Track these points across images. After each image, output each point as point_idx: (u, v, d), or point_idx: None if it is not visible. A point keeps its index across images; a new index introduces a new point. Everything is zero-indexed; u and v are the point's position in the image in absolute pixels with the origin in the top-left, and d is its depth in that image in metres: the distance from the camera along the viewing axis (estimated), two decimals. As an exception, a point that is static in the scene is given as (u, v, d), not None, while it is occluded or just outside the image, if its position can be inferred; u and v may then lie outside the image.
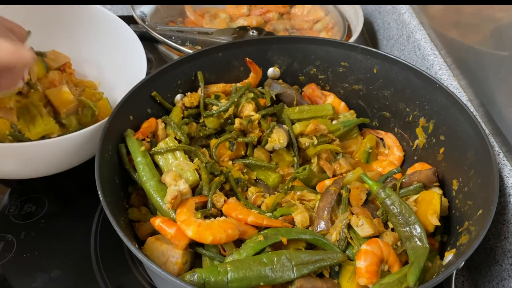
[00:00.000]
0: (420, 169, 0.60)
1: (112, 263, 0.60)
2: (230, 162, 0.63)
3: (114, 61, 0.76)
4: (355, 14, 0.94)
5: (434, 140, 0.61)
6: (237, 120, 0.64)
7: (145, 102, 0.62)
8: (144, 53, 0.70)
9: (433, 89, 0.60)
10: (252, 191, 0.60)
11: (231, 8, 1.04)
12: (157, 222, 0.49)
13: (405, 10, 0.81)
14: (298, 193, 0.59)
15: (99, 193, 0.46)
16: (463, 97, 0.62)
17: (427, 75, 0.61)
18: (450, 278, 0.46)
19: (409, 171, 0.62)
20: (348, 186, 0.55)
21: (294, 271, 0.46)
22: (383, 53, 0.65)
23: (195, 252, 0.50)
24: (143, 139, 0.58)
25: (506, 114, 0.54)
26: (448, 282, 0.46)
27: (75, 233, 0.64)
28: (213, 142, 0.63)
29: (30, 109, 0.65)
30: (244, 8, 1.03)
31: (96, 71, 0.78)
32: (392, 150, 0.68)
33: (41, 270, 0.59)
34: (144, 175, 0.53)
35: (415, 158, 0.65)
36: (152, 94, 0.62)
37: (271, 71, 0.71)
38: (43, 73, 0.70)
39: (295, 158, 0.64)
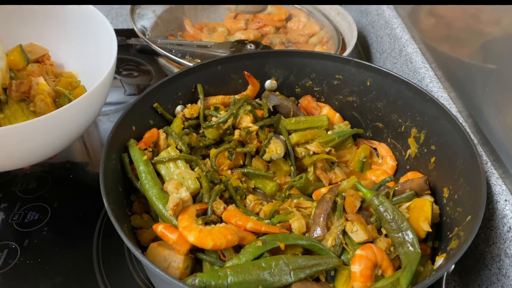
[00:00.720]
0: (412, 177, 0.62)
1: (114, 269, 0.61)
2: (229, 171, 0.65)
3: (90, 49, 0.77)
4: (349, 29, 0.97)
5: (425, 150, 0.64)
6: (236, 131, 0.66)
7: (147, 113, 0.64)
8: (115, 39, 0.70)
9: (424, 101, 0.63)
10: (250, 199, 0.62)
11: (228, 22, 1.07)
12: (159, 228, 0.51)
13: (397, 25, 0.84)
14: (295, 201, 0.61)
15: (104, 200, 0.48)
16: (452, 108, 0.65)
17: (418, 87, 0.63)
18: (440, 281, 0.48)
19: (402, 179, 0.65)
20: (343, 194, 0.57)
21: (292, 275, 0.48)
22: (376, 66, 0.68)
23: (196, 258, 0.52)
24: (145, 149, 0.60)
25: (493, 125, 0.57)
26: (439, 285, 0.48)
27: (78, 241, 0.65)
28: (213, 151, 0.65)
29: (11, 104, 0.67)
30: (241, 23, 1.06)
31: (75, 61, 0.80)
32: (385, 160, 0.71)
33: (44, 277, 0.61)
34: (147, 183, 0.55)
35: (408, 167, 0.68)
36: (153, 105, 0.65)
37: (268, 83, 0.74)
38: (23, 65, 0.72)
39: (292, 168, 0.67)
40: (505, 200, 0.51)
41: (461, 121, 0.60)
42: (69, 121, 0.62)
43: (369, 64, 0.68)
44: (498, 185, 0.53)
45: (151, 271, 0.46)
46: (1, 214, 0.69)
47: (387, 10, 0.89)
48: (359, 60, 0.69)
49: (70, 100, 0.68)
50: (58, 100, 0.70)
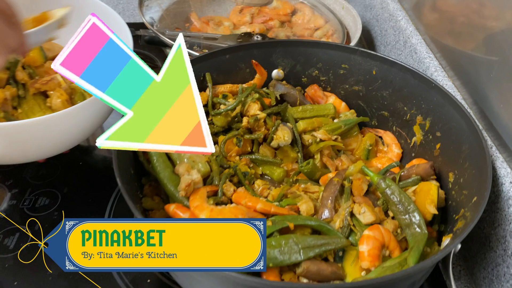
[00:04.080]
0: (418, 164, 0.63)
1: (124, 253, 0.62)
2: (237, 158, 0.66)
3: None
4: (353, 22, 0.98)
5: (430, 137, 0.65)
6: (244, 119, 0.67)
7: (156, 100, 0.65)
8: (130, 35, 0.74)
9: (429, 88, 0.64)
10: (258, 184, 0.63)
11: (234, 16, 1.08)
12: (171, 208, 0.52)
13: (401, 17, 0.85)
14: (302, 185, 0.62)
15: (118, 180, 0.49)
16: (457, 96, 0.66)
17: (424, 75, 0.64)
18: (447, 261, 0.49)
19: (407, 166, 0.65)
20: (350, 178, 0.58)
21: (301, 253, 0.48)
22: (382, 55, 0.69)
23: (207, 238, 0.53)
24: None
25: (497, 110, 0.58)
26: (445, 266, 0.49)
27: (88, 225, 0.66)
28: (221, 138, 0.66)
29: (28, 99, 0.68)
30: (247, 17, 1.08)
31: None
32: (391, 148, 0.72)
33: (55, 259, 0.62)
34: (158, 166, 0.56)
35: (413, 154, 0.69)
36: (163, 92, 0.66)
37: (275, 73, 0.75)
38: (41, 62, 0.74)
39: (299, 154, 0.68)
40: (510, 183, 0.52)
41: (466, 107, 0.61)
42: (83, 118, 0.65)
43: (375, 53, 0.69)
44: (503, 168, 0.54)
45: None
46: (13, 200, 0.70)
47: (392, 3, 0.90)
48: (365, 50, 0.70)
49: (84, 98, 0.69)
50: (74, 97, 0.72)
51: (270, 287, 0.42)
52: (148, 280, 0.59)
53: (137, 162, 0.60)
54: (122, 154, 0.55)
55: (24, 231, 0.65)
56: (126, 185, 0.50)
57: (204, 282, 0.46)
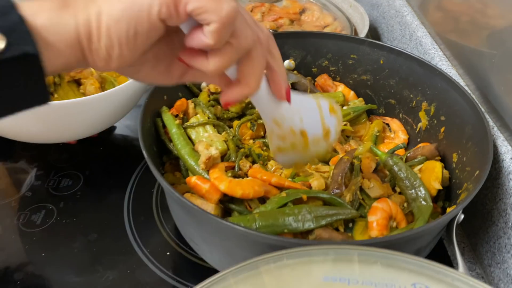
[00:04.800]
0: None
1: (143, 227, 0.66)
2: (251, 141, 0.70)
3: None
4: (361, 19, 1.02)
5: (435, 121, 0.68)
6: (257, 104, 0.71)
7: (176, 86, 0.69)
8: None
9: (434, 75, 0.67)
10: (271, 164, 0.66)
11: (245, 15, 1.12)
12: (193, 179, 0.55)
13: (407, 12, 0.89)
14: (313, 166, 0.65)
15: (144, 152, 0.53)
16: (461, 82, 0.69)
17: (428, 63, 0.68)
18: (450, 231, 0.52)
19: (413, 149, 0.69)
20: (360, 156, 0.61)
21: (314, 221, 0.52)
22: (389, 45, 0.73)
23: (225, 209, 0.56)
24: (177, 116, 0.65)
25: (498, 93, 0.61)
26: (449, 235, 0.52)
27: (110, 203, 0.70)
28: (236, 123, 0.70)
29: (63, 86, 0.73)
30: (257, 15, 1.12)
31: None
32: (397, 134, 0.75)
33: (80, 233, 0.65)
34: (179, 143, 0.60)
35: (418, 140, 0.72)
36: (182, 78, 0.70)
37: (286, 63, 0.79)
38: None
39: (310, 138, 0.71)
40: (510, 159, 0.55)
41: (470, 93, 0.64)
42: (113, 103, 0.70)
43: (383, 43, 0.73)
44: (504, 146, 0.57)
45: (186, 212, 0.51)
46: (38, 180, 0.74)
47: (398, 0, 0.94)
48: (373, 40, 0.74)
49: (114, 86, 0.75)
50: (104, 85, 0.77)
51: (288, 244, 0.45)
52: (168, 253, 0.63)
53: (159, 141, 0.63)
54: (146, 132, 0.59)
55: (50, 208, 0.69)
56: (151, 158, 0.53)
57: (226, 245, 0.50)
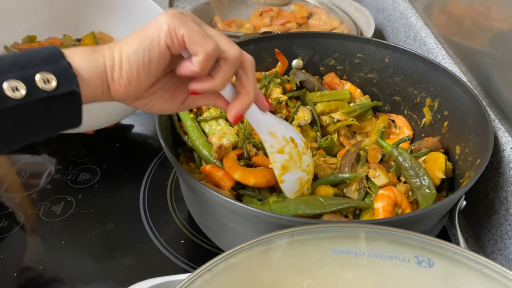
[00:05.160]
0: (427, 140, 0.69)
1: (158, 217, 0.69)
2: (261, 135, 0.73)
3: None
4: (366, 22, 1.05)
5: (439, 116, 0.71)
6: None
7: (189, 83, 0.73)
8: None
9: (437, 72, 0.70)
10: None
11: (255, 19, 1.16)
12: (207, 167, 0.58)
13: (411, 14, 0.92)
14: (322, 158, 0.68)
15: (162, 141, 0.56)
16: (463, 78, 0.72)
17: (432, 60, 0.71)
18: (453, 216, 0.54)
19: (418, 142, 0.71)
20: (366, 148, 0.64)
21: (325, 207, 0.54)
22: (394, 44, 0.75)
23: (237, 197, 0.59)
24: (191, 110, 0.68)
25: (499, 88, 0.64)
26: (452, 221, 0.55)
27: (126, 195, 0.73)
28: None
29: None
30: (266, 19, 1.16)
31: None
32: (403, 130, 0.78)
33: (97, 223, 0.68)
34: (194, 135, 0.63)
35: (423, 135, 0.75)
36: (195, 76, 0.73)
37: (295, 62, 0.82)
38: None
39: (318, 133, 0.74)
40: (511, 148, 0.58)
41: (471, 87, 0.67)
42: None
43: (387, 42, 0.76)
44: (505, 137, 0.60)
45: (201, 198, 0.53)
46: (57, 174, 0.77)
47: (402, 3, 0.97)
48: (378, 40, 0.77)
49: None
50: None
51: (298, 223, 0.47)
52: (182, 241, 0.65)
53: (174, 134, 0.66)
54: (163, 126, 0.62)
55: (69, 199, 0.72)
56: (168, 148, 0.56)
57: (239, 228, 0.52)
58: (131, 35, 0.41)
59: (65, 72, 0.38)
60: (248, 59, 0.47)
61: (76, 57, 0.39)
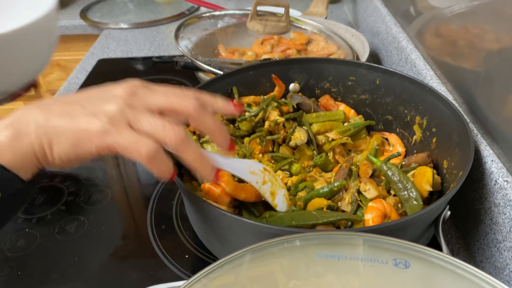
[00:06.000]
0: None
1: (164, 234, 0.73)
2: (261, 155, 0.77)
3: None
4: (362, 46, 1.11)
5: (428, 133, 0.75)
6: (266, 122, 0.79)
7: (192, 108, 0.78)
8: None
9: (425, 92, 0.74)
10: (279, 174, 0.73)
11: (256, 47, 1.23)
12: (207, 185, 0.63)
13: (402, 38, 0.97)
14: (318, 174, 0.72)
15: (165, 161, 0.61)
16: (449, 97, 0.76)
17: (419, 81, 0.75)
18: (437, 226, 0.58)
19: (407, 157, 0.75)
20: (357, 163, 0.68)
21: (318, 218, 0.58)
22: (383, 67, 0.80)
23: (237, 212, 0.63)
24: (194, 133, 0.73)
25: (481, 104, 0.68)
26: (437, 231, 0.58)
27: (134, 215, 0.78)
28: (247, 139, 0.78)
29: None
30: (267, 47, 1.22)
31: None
32: (396, 147, 0.82)
33: (108, 240, 0.73)
34: (196, 155, 0.68)
35: (415, 151, 0.78)
36: (198, 101, 0.79)
37: (292, 86, 0.87)
38: None
39: (314, 152, 0.78)
40: (492, 161, 0.61)
41: (456, 105, 0.71)
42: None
43: (377, 65, 0.81)
44: (486, 150, 0.63)
45: (202, 212, 0.58)
46: (70, 196, 0.82)
47: (394, 28, 1.03)
48: (368, 63, 0.82)
49: None
50: None
51: (290, 232, 0.51)
52: (186, 256, 0.69)
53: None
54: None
55: (82, 219, 0.77)
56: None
57: (237, 240, 0.56)
58: (61, 119, 0.44)
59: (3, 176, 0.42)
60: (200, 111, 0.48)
61: (6, 156, 0.42)
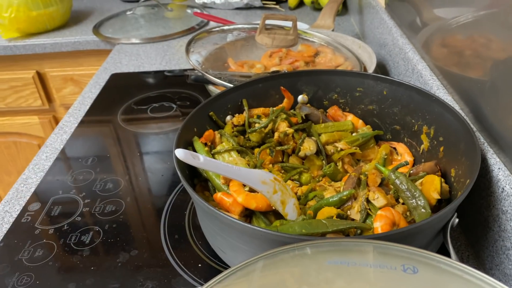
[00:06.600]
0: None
1: (178, 244, 0.75)
2: (271, 165, 0.79)
3: None
4: (369, 58, 1.13)
5: (435, 142, 0.76)
6: (276, 133, 0.81)
7: (204, 120, 0.80)
8: None
9: (431, 102, 0.76)
10: (289, 183, 0.75)
11: (265, 60, 1.25)
12: (218, 195, 0.65)
13: (409, 49, 0.99)
14: (327, 183, 0.73)
15: (179, 173, 0.63)
16: (456, 106, 0.77)
17: (425, 91, 0.77)
18: (445, 234, 0.58)
19: (415, 166, 0.76)
20: (366, 173, 0.69)
21: (328, 227, 0.60)
22: (390, 78, 0.82)
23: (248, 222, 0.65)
24: (205, 144, 0.75)
25: (487, 113, 0.69)
26: (446, 239, 0.59)
27: (148, 225, 0.80)
28: (257, 150, 0.79)
29: None
30: (276, 59, 1.24)
31: None
32: (404, 156, 0.83)
33: (123, 250, 0.75)
34: (208, 166, 0.70)
35: (423, 160, 0.79)
36: (209, 114, 0.81)
37: (300, 98, 0.89)
38: None
39: (323, 162, 0.80)
40: (499, 168, 0.62)
41: (462, 114, 0.72)
42: None
43: (384, 76, 0.83)
44: (493, 159, 0.64)
45: (215, 221, 0.59)
46: (86, 207, 0.84)
47: (401, 39, 1.04)
48: (376, 74, 0.84)
49: None
50: None
51: (301, 240, 0.52)
52: (199, 265, 0.71)
53: (190, 166, 0.73)
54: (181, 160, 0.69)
55: (97, 230, 0.79)
56: (185, 178, 0.63)
57: (249, 249, 0.58)
58: None
59: None
60: None
61: None
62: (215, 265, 0.70)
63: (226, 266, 0.70)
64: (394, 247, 0.47)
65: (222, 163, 0.61)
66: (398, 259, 0.45)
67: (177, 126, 1.10)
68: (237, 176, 0.59)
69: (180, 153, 0.56)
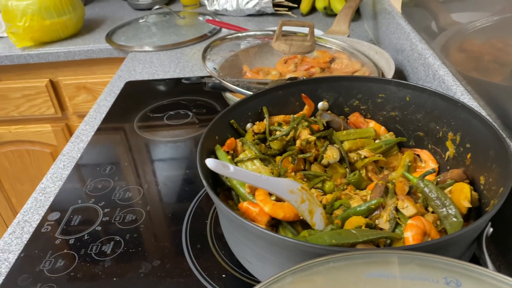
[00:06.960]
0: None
1: (200, 253, 0.74)
2: (293, 173, 0.78)
3: None
4: (387, 63, 1.12)
5: (461, 149, 0.74)
6: (297, 141, 0.80)
7: (225, 128, 0.79)
8: None
9: (456, 107, 0.74)
10: (313, 192, 0.73)
11: (280, 66, 1.24)
12: (244, 204, 0.64)
13: (429, 55, 0.98)
14: (353, 191, 0.72)
15: (203, 180, 0.62)
16: (482, 112, 0.76)
17: (450, 96, 0.75)
18: (480, 243, 0.57)
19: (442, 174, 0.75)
20: (393, 181, 0.68)
21: (358, 237, 0.58)
22: (413, 83, 0.81)
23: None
24: (227, 152, 0.74)
25: (517, 119, 0.68)
26: (480, 248, 0.57)
27: (170, 234, 0.79)
28: (278, 158, 0.78)
29: None
30: (291, 66, 1.24)
31: None
32: (428, 164, 0.81)
33: (144, 261, 0.74)
34: (232, 175, 0.69)
35: (448, 167, 0.78)
36: (230, 121, 0.80)
37: (321, 104, 0.88)
38: None
39: (347, 169, 0.78)
40: (533, 176, 0.61)
41: (491, 121, 0.70)
42: None
43: (407, 82, 0.81)
44: (526, 165, 0.63)
45: (241, 231, 0.58)
46: (106, 217, 0.84)
47: (420, 45, 1.03)
48: (398, 80, 0.82)
49: None
50: None
51: (333, 251, 0.51)
52: (223, 275, 0.70)
53: (214, 175, 0.72)
54: (204, 167, 0.68)
55: (118, 239, 0.78)
56: (209, 186, 0.62)
57: (278, 259, 0.56)
58: None
59: None
60: None
61: None
62: (239, 276, 0.69)
63: (250, 277, 0.68)
64: (434, 259, 0.45)
65: (251, 173, 0.60)
66: (438, 272, 0.44)
67: (194, 133, 1.09)
68: (266, 186, 0.57)
69: (210, 163, 0.55)
